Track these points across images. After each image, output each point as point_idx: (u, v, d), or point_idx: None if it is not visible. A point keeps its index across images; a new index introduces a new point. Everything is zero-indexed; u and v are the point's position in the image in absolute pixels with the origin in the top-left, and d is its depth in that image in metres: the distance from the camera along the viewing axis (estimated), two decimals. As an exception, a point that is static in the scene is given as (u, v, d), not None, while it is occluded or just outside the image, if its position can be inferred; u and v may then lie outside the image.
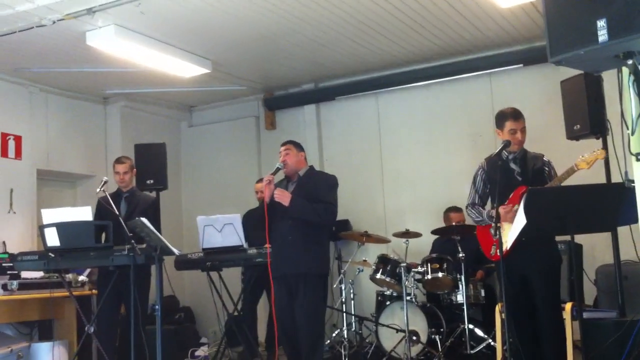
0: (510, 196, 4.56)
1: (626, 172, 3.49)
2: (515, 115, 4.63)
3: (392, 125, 8.28)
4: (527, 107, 4.79)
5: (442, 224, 7.11)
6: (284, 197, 4.96)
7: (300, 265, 4.93)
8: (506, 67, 7.48)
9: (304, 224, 4.97)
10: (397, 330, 6.32)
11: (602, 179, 5.32)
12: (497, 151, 4.53)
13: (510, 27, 6.87)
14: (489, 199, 4.77)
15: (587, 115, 5.31)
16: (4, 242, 7.02)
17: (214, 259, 6.59)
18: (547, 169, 4.58)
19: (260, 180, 5.95)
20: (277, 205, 5.00)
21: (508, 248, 4.50)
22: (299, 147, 5.26)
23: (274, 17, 6.23)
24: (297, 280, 4.93)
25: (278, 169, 5.12)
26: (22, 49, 6.61)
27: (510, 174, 4.62)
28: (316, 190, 5.05)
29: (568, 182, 4.56)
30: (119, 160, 6.24)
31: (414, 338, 6.27)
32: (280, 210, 4.99)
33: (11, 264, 6.04)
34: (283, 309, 5.00)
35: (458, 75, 7.76)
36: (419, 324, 6.33)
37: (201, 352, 7.28)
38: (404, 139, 8.17)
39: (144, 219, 5.02)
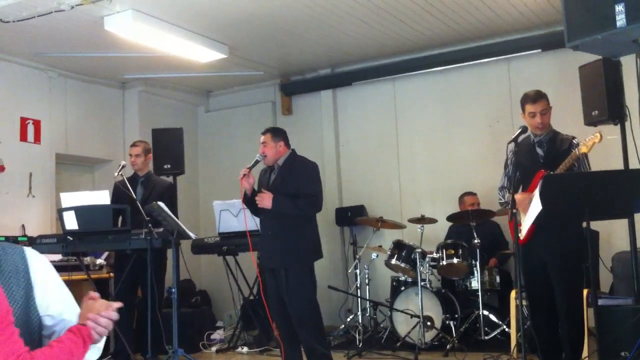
0: (532, 181, 4.53)
1: (643, 159, 3.47)
2: (534, 97, 4.57)
3: (408, 111, 8.25)
4: (546, 93, 4.74)
5: (458, 210, 7.09)
6: (264, 201, 4.92)
7: (281, 260, 4.93)
8: (524, 52, 7.42)
9: (285, 216, 4.94)
10: (412, 316, 6.33)
11: (619, 165, 5.28)
12: (514, 136, 4.49)
13: (529, 11, 6.81)
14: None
15: (605, 101, 5.25)
16: (23, 226, 7.11)
17: (230, 244, 6.68)
18: (573, 151, 4.43)
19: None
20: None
21: (524, 234, 4.50)
22: (276, 135, 5.17)
23: (291, 2, 6.22)
24: (281, 273, 4.94)
25: (257, 161, 5.14)
26: (41, 34, 6.65)
27: (535, 158, 4.58)
28: (296, 179, 5.01)
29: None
30: (132, 144, 6.32)
31: (429, 323, 6.28)
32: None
33: (30, 247, 6.11)
34: (273, 294, 5.03)
35: (475, 60, 7.70)
36: (434, 309, 6.34)
37: (217, 335, 7.34)
38: (420, 125, 8.14)
39: (160, 203, 5.07)
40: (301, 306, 4.90)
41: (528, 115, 4.58)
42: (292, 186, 4.99)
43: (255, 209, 5.13)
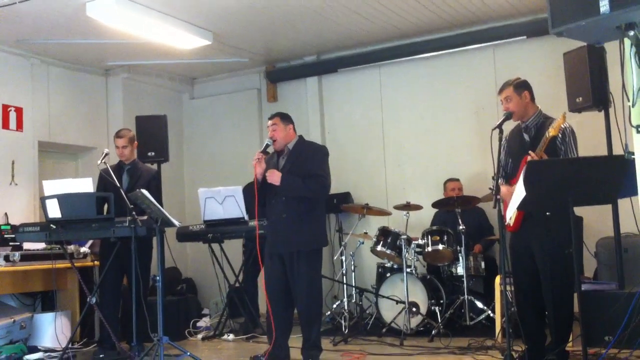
0: (520, 166, 4.53)
1: (626, 145, 3.48)
2: (500, 87, 4.70)
3: (394, 98, 8.24)
4: (530, 80, 4.75)
5: (443, 197, 7.11)
6: (274, 177, 4.92)
7: (295, 244, 4.92)
8: (510, 40, 7.42)
9: (297, 199, 4.94)
10: (397, 302, 6.36)
11: (603, 151, 5.31)
12: (498, 122, 4.50)
13: (514, -2, 6.81)
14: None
15: (589, 88, 5.28)
16: (5, 214, 7.05)
17: (216, 231, 6.66)
18: (560, 135, 4.40)
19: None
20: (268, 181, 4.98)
21: (510, 222, 4.52)
22: (285, 119, 5.15)
23: (275, -13, 6.18)
24: (291, 256, 4.94)
25: (268, 145, 5.07)
26: (22, 20, 6.57)
27: (522, 143, 4.59)
28: (307, 163, 5.01)
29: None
30: (117, 134, 6.24)
31: (414, 309, 6.31)
32: (274, 187, 4.97)
33: (13, 235, 6.08)
34: (277, 281, 5.00)
35: (461, 47, 7.69)
36: (419, 295, 6.36)
37: (203, 322, 7.34)
38: (406, 112, 8.14)
39: (144, 191, 5.03)
40: (310, 292, 4.93)
41: None
42: (303, 169, 4.97)
43: (263, 196, 5.06)
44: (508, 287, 4.71)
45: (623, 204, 4.93)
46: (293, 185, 4.92)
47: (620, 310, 4.36)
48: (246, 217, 6.44)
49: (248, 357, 5.36)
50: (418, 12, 7.07)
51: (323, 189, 5.01)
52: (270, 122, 5.15)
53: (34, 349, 6.17)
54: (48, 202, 5.32)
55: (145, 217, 5.27)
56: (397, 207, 6.95)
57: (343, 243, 7.18)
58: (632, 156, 3.38)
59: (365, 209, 7.03)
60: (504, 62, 7.49)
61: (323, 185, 4.99)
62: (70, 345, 5.96)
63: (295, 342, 5.24)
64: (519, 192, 3.96)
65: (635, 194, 3.37)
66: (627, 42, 3.23)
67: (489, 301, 6.27)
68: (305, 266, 4.92)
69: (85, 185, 5.69)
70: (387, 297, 6.47)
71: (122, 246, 5.55)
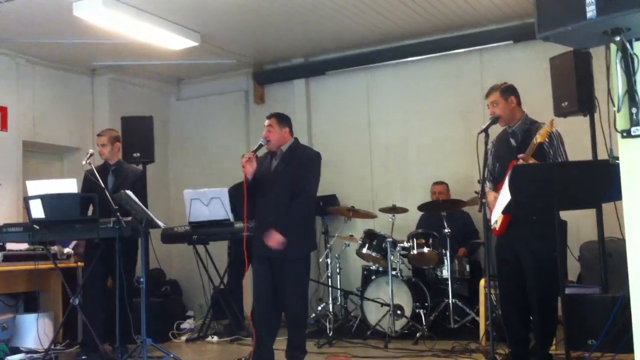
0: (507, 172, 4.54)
1: (611, 149, 3.49)
2: (487, 91, 4.72)
3: (381, 101, 8.25)
4: (517, 84, 4.77)
5: (429, 200, 7.12)
6: (273, 241, 4.74)
7: (282, 248, 4.82)
8: (497, 44, 7.45)
9: (286, 202, 4.82)
10: (382, 305, 6.36)
11: (588, 156, 5.33)
12: (484, 127, 4.52)
13: (502, 2, 6.83)
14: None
15: (575, 92, 5.30)
16: (-11, 214, 7.00)
17: (201, 233, 6.64)
18: (547, 140, 4.42)
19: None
20: (258, 182, 4.92)
21: (495, 226, 4.53)
22: (282, 121, 5.05)
23: (263, -11, 6.17)
24: (279, 261, 4.85)
25: (261, 145, 4.96)
26: (8, 19, 6.51)
27: (511, 149, 4.60)
28: (299, 168, 4.91)
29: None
30: (98, 133, 6.23)
31: (399, 312, 6.32)
32: (263, 186, 4.92)
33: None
34: (262, 283, 4.92)
35: (449, 51, 7.72)
36: (404, 298, 6.36)
37: (187, 324, 7.31)
38: (393, 115, 8.15)
39: (128, 192, 5.00)
40: (298, 297, 4.88)
41: None
42: (295, 173, 4.88)
43: (252, 196, 4.96)
44: (492, 291, 4.72)
45: (607, 208, 4.96)
46: (289, 223, 4.79)
47: (604, 314, 4.38)
48: (232, 219, 6.42)
49: (232, 359, 5.33)
50: (406, 15, 7.08)
51: (308, 202, 4.94)
52: (266, 122, 5.05)
53: (16, 350, 6.12)
54: (31, 202, 5.28)
55: (129, 218, 5.24)
56: (383, 210, 6.95)
57: (329, 245, 7.17)
58: (617, 161, 3.39)
59: (351, 211, 7.03)
60: (491, 66, 7.52)
61: (307, 200, 4.91)
62: (52, 347, 5.91)
63: (280, 344, 5.22)
64: (505, 196, 3.98)
65: (619, 198, 3.38)
66: (613, 47, 3.24)
67: (474, 304, 6.28)
68: (293, 270, 4.85)
69: (70, 185, 5.65)
70: (372, 300, 6.47)
71: (106, 247, 5.51)
